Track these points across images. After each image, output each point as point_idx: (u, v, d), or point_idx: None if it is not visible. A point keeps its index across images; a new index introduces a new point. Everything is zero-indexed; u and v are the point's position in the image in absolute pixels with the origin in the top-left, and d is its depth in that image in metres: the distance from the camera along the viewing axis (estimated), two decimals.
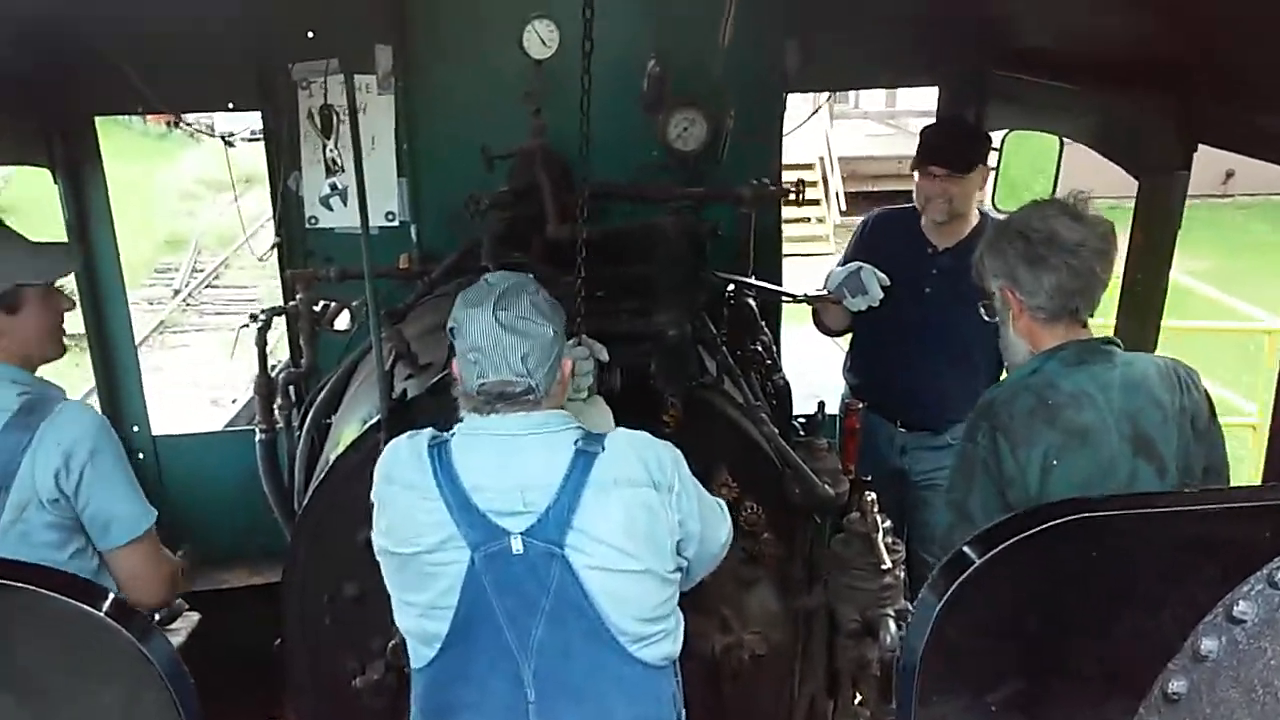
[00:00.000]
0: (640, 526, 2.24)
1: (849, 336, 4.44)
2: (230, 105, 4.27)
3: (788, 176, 4.37)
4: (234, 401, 8.16)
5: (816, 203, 17.38)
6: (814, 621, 3.15)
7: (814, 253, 15.43)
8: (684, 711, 2.51)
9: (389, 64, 4.09)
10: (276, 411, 3.86)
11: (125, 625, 1.46)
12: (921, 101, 17.21)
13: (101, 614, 1.47)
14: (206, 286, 15.96)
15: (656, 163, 4.17)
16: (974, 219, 4.11)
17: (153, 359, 12.50)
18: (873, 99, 21.67)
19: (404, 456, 2.31)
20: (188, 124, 6.56)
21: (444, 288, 3.74)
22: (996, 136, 4.18)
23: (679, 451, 2.35)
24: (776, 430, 3.16)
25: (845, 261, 4.14)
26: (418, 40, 4.10)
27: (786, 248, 4.72)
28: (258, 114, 4.25)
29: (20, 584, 1.46)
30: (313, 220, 4.23)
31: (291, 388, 3.91)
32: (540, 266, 3.39)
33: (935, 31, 4.15)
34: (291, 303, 3.93)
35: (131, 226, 13.99)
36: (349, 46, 3.96)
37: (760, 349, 3.99)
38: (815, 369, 6.99)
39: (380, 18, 4.01)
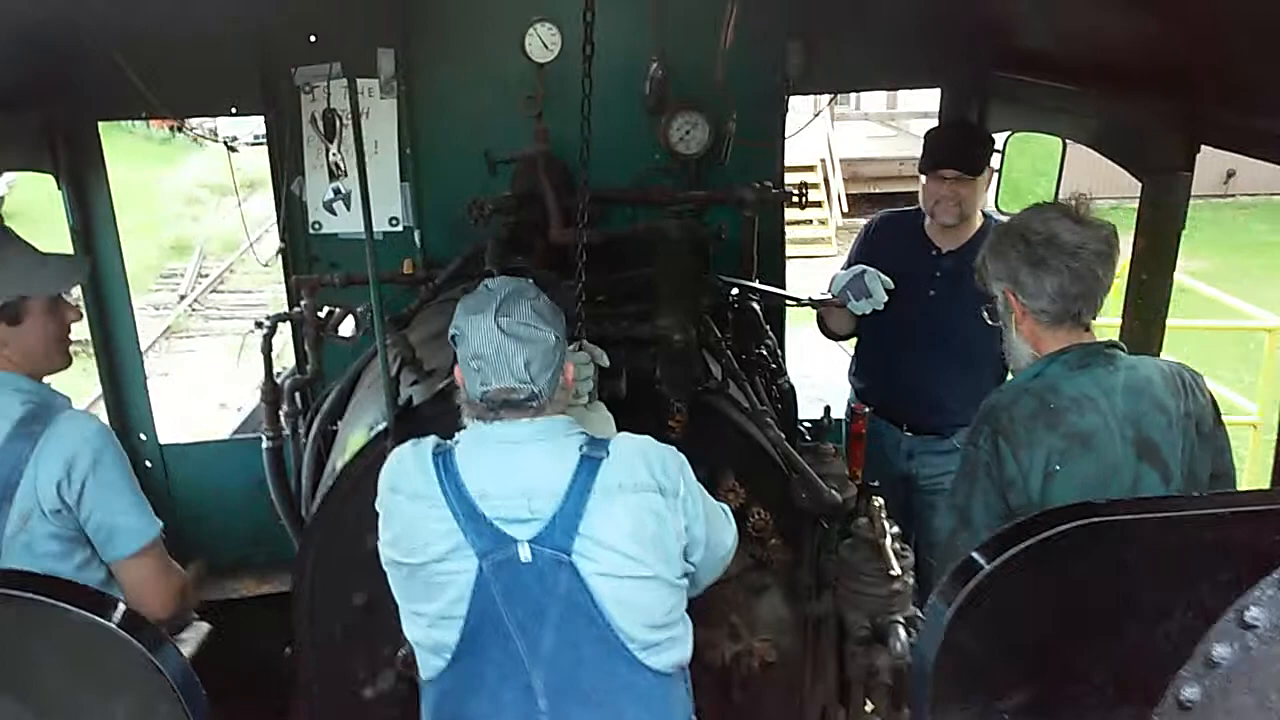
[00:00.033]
0: (647, 532, 2.23)
1: (854, 340, 4.42)
2: (233, 109, 4.26)
3: (790, 179, 4.37)
4: (239, 410, 8.15)
5: (819, 204, 17.36)
6: (823, 628, 3.14)
7: (816, 254, 15.44)
8: (695, 719, 2.50)
9: (391, 68, 4.08)
10: (283, 418, 3.85)
11: (136, 636, 1.45)
12: (922, 103, 17.23)
13: (113, 625, 1.45)
14: (212, 292, 15.95)
15: (659, 166, 4.18)
16: (978, 221, 4.10)
17: (160, 364, 12.50)
18: (873, 100, 21.65)
19: (409, 465, 2.29)
20: (190, 128, 6.57)
21: (448, 293, 3.73)
22: (999, 138, 4.17)
23: (683, 456, 2.34)
24: (782, 435, 3.14)
25: (849, 265, 4.12)
26: (420, 44, 4.09)
27: (789, 250, 4.71)
28: (260, 118, 4.25)
29: (30, 595, 1.45)
30: (316, 225, 4.23)
31: (297, 394, 3.90)
32: (544, 271, 3.39)
33: (937, 33, 4.14)
34: (296, 309, 3.93)
35: (136, 231, 14.05)
36: (351, 50, 3.96)
37: (765, 353, 3.97)
38: (821, 373, 6.98)
39: (382, 21, 4.01)
